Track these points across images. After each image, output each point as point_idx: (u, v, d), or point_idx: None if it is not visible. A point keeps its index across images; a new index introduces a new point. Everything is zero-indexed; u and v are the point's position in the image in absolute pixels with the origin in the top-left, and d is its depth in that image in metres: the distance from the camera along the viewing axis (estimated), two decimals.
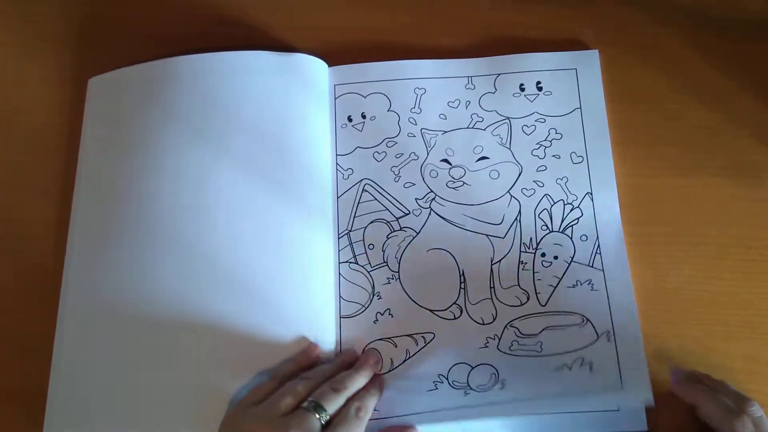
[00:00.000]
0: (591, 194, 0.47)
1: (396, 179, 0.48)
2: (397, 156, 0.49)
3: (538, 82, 0.49)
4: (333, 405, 0.40)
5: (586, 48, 0.51)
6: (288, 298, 0.44)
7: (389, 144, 0.49)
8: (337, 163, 0.49)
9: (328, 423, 0.40)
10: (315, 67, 0.50)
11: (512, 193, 0.47)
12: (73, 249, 0.47)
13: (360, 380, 0.43)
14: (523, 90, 0.49)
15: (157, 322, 0.45)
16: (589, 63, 0.50)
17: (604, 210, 0.46)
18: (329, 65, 0.51)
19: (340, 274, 0.46)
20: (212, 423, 0.40)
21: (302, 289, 0.45)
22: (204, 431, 0.41)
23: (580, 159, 0.48)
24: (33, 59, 0.53)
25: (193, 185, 0.47)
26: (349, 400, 0.41)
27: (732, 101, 0.49)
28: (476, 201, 0.47)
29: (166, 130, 0.48)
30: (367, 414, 0.41)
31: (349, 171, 0.49)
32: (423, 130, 0.49)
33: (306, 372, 0.43)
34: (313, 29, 0.52)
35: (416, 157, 0.49)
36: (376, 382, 0.44)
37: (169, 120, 0.48)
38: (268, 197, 0.46)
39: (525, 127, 0.49)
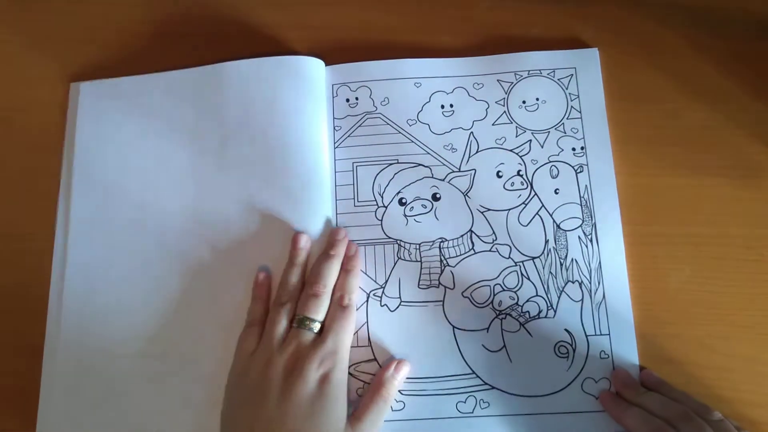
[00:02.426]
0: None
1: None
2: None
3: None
4: (319, 311, 0.42)
5: (586, 46, 0.50)
6: None
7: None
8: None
9: (323, 328, 0.42)
10: (311, 67, 0.50)
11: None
12: (66, 251, 0.47)
13: (333, 265, 0.44)
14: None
15: (151, 324, 0.45)
16: (588, 61, 0.50)
17: (605, 210, 0.46)
18: (327, 64, 0.51)
19: None
20: (209, 426, 0.40)
21: None
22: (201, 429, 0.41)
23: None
24: (31, 59, 0.53)
25: (190, 190, 0.47)
26: (334, 292, 0.43)
27: (732, 101, 0.49)
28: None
29: (162, 138, 0.48)
30: (351, 297, 0.43)
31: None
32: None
33: (280, 286, 0.44)
34: (311, 28, 0.52)
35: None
36: (350, 260, 0.45)
37: (165, 128, 0.48)
38: (267, 198, 0.46)
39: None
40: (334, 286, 0.43)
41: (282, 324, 0.41)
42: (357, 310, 0.44)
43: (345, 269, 0.44)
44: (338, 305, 0.42)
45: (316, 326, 0.41)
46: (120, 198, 0.47)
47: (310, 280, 0.43)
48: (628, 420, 0.40)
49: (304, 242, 0.45)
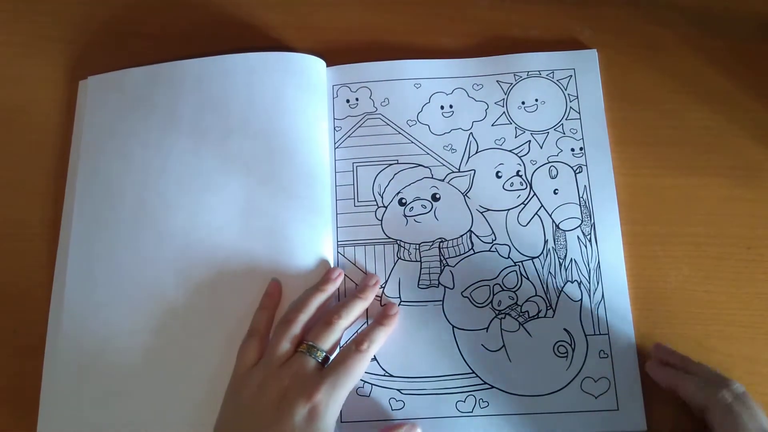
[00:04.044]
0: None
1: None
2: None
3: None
4: (327, 341, 0.41)
5: (585, 47, 0.50)
6: (289, 295, 0.44)
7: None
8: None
9: (327, 359, 0.40)
10: (313, 66, 0.50)
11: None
12: (68, 250, 0.47)
13: (357, 305, 0.43)
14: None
15: (152, 322, 0.45)
16: (587, 62, 0.50)
17: (604, 210, 0.46)
18: (328, 65, 0.51)
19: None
20: (208, 427, 0.40)
21: (303, 284, 0.45)
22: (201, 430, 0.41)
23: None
24: (32, 59, 0.53)
25: (193, 186, 0.47)
26: (358, 336, 0.41)
27: (732, 101, 0.49)
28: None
29: (166, 132, 0.49)
30: (372, 346, 0.41)
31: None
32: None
33: (294, 303, 0.43)
34: (312, 29, 0.53)
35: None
36: (386, 313, 0.43)
37: (169, 122, 0.49)
38: (268, 196, 0.46)
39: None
40: (363, 333, 0.42)
41: (285, 345, 0.40)
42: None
43: (380, 322, 0.43)
44: (355, 347, 0.40)
45: (321, 356, 0.40)
46: (122, 194, 0.48)
47: (331, 310, 0.42)
48: (686, 385, 0.39)
49: (337, 275, 0.44)
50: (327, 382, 0.38)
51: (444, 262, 0.46)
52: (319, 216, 0.46)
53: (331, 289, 0.44)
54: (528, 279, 0.45)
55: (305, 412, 0.37)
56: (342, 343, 0.43)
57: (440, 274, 0.46)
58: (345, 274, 0.46)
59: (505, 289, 0.45)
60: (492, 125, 0.49)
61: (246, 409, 0.38)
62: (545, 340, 0.44)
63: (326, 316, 0.42)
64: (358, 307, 0.43)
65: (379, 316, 0.44)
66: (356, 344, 0.40)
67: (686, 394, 0.39)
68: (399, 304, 0.45)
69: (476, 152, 0.48)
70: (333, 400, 0.38)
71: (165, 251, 0.46)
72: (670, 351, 0.42)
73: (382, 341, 0.42)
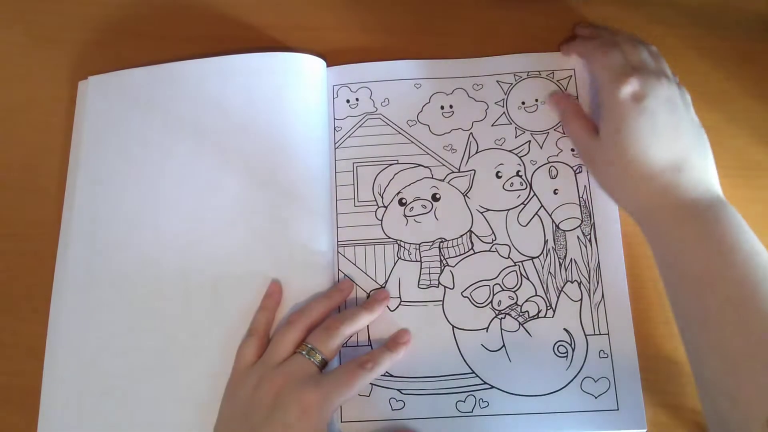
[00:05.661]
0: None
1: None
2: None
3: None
4: (327, 346, 0.40)
5: None
6: (289, 295, 0.45)
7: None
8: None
9: (325, 364, 0.40)
10: (313, 66, 0.50)
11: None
12: (68, 249, 0.47)
13: (362, 316, 0.43)
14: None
15: (152, 324, 0.45)
16: None
17: (604, 210, 0.46)
18: (328, 65, 0.51)
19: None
20: (209, 427, 0.40)
21: (303, 284, 0.45)
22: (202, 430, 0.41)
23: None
24: (33, 59, 0.53)
25: (193, 187, 0.47)
26: (365, 356, 0.41)
27: (732, 101, 0.49)
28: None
29: (166, 132, 0.49)
30: (375, 369, 0.41)
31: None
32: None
33: (301, 309, 0.43)
34: (312, 29, 0.53)
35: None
36: (396, 339, 0.43)
37: (169, 122, 0.49)
38: (268, 196, 0.46)
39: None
40: (370, 353, 0.42)
41: (283, 346, 0.41)
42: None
43: (388, 347, 0.43)
44: (360, 364, 0.40)
45: (319, 359, 0.40)
46: (123, 194, 0.48)
47: (334, 316, 0.43)
48: (596, 59, 0.40)
49: (347, 286, 0.45)
50: (322, 387, 0.38)
51: (444, 262, 0.46)
52: (319, 216, 0.46)
53: (337, 297, 0.44)
54: (528, 279, 0.45)
55: (297, 413, 0.37)
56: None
57: (440, 274, 0.46)
58: (354, 282, 0.46)
59: (505, 289, 0.45)
60: (492, 125, 0.49)
61: (242, 408, 0.38)
62: (545, 340, 0.44)
63: (328, 322, 0.42)
64: (363, 319, 0.43)
65: (389, 341, 0.44)
66: (360, 362, 0.40)
67: (594, 71, 0.39)
68: (399, 305, 0.45)
69: (476, 152, 0.48)
70: (326, 406, 0.38)
71: (165, 251, 0.46)
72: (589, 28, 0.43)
73: (386, 366, 0.42)
